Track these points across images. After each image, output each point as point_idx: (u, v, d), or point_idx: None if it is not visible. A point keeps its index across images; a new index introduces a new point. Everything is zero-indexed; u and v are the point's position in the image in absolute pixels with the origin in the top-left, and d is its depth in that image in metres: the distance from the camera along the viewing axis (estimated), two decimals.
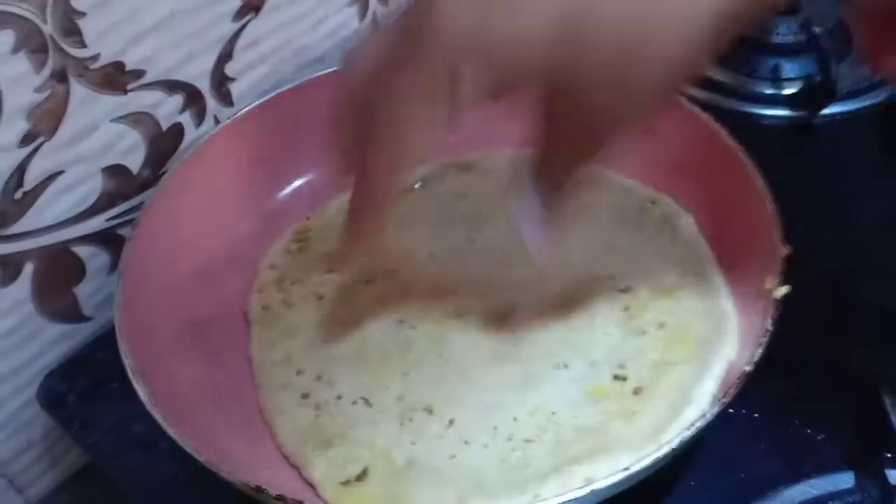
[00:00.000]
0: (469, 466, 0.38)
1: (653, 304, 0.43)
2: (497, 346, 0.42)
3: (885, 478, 0.39)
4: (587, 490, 0.31)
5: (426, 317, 0.44)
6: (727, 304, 0.42)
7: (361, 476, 0.38)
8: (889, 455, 0.38)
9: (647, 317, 0.42)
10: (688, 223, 0.46)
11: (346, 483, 0.38)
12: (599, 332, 0.42)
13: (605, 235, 0.47)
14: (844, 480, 0.39)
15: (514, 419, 0.39)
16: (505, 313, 0.44)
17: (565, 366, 0.41)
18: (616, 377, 0.40)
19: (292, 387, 0.42)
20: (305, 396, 0.42)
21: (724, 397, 0.33)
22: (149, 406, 0.35)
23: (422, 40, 0.30)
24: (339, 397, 0.41)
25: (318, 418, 0.41)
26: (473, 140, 0.50)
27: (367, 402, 0.41)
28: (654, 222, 0.47)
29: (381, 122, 0.31)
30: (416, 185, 0.51)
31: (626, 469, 0.32)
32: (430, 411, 0.40)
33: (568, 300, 0.44)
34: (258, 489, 0.32)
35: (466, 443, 0.39)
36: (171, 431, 0.34)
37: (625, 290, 0.44)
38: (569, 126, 0.32)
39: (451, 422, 0.40)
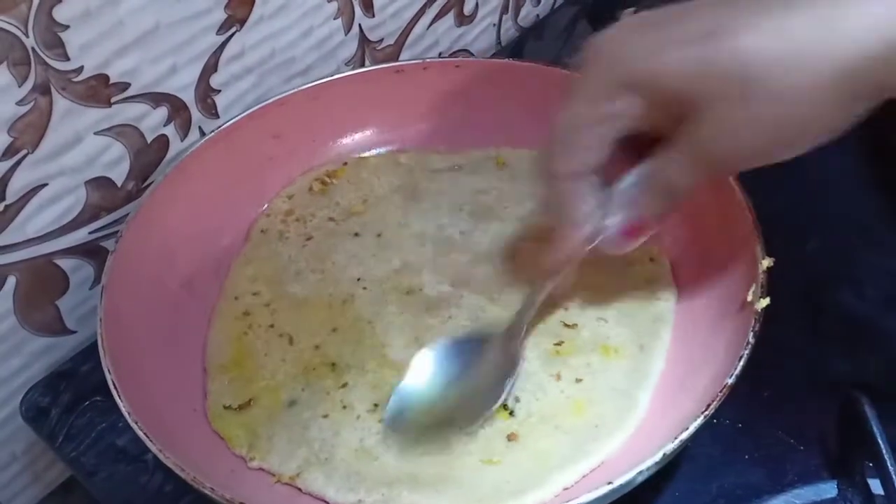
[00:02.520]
0: (332, 433, 0.40)
1: (585, 355, 0.42)
2: (421, 333, 0.43)
3: (867, 486, 0.39)
4: None
5: (380, 283, 0.46)
6: (644, 394, 0.40)
7: (244, 405, 0.41)
8: (870, 464, 0.39)
9: (572, 363, 0.42)
10: (669, 296, 0.44)
11: (227, 408, 0.41)
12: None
13: (584, 267, 0.46)
14: (827, 490, 0.40)
15: None
16: (449, 308, 0.45)
17: None
18: (505, 406, 0.40)
19: (241, 301, 0.46)
20: (247, 314, 0.45)
21: (706, 410, 0.34)
22: (131, 421, 0.35)
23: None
24: (272, 326, 0.45)
25: (245, 336, 0.44)
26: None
27: (290, 340, 0.44)
28: (640, 279, 0.45)
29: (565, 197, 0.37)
30: (453, 167, 0.53)
31: (609, 483, 0.32)
32: (332, 368, 0.42)
33: (514, 312, 0.43)
34: None
35: (344, 408, 0.41)
36: (153, 447, 0.34)
37: (570, 327, 0.44)
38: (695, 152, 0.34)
39: (345, 384, 0.42)
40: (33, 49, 0.41)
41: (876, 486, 0.38)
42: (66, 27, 0.42)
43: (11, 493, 0.51)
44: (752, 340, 0.36)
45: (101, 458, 0.44)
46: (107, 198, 0.48)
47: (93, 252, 0.49)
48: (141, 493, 0.42)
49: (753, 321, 0.37)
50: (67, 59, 0.43)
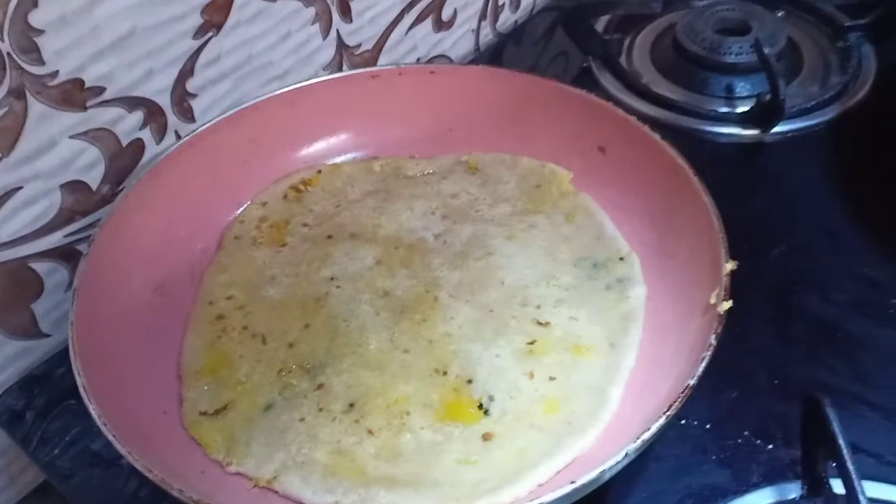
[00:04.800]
0: (310, 435, 0.40)
1: (558, 353, 0.43)
2: (395, 334, 0.44)
3: (829, 487, 0.40)
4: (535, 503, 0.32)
5: (354, 283, 0.47)
6: (616, 392, 0.41)
7: (221, 410, 0.41)
8: (833, 464, 0.39)
9: (546, 362, 0.42)
10: (639, 295, 0.45)
11: (203, 414, 0.41)
12: (492, 353, 0.43)
13: (555, 267, 0.47)
14: (792, 490, 0.41)
15: (372, 404, 0.41)
16: (423, 309, 0.45)
17: (444, 373, 0.42)
18: (480, 406, 0.41)
19: (216, 306, 0.46)
20: (220, 318, 0.46)
21: (668, 410, 0.34)
22: (100, 424, 0.35)
23: None
24: (245, 328, 0.45)
25: (219, 339, 0.44)
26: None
27: (263, 339, 0.44)
28: (610, 279, 0.46)
29: None
30: (426, 173, 0.54)
31: (572, 482, 0.32)
32: (307, 370, 0.43)
33: (487, 313, 0.45)
34: None
35: (320, 410, 0.41)
36: (122, 450, 0.34)
37: (542, 325, 0.44)
38: None
39: (320, 386, 0.42)
40: (8, 54, 0.41)
41: (838, 485, 0.39)
42: (42, 32, 0.42)
43: None
44: (713, 343, 0.36)
45: (75, 462, 0.44)
46: (81, 201, 0.48)
47: (68, 255, 0.49)
48: (116, 498, 0.42)
49: (716, 324, 0.37)
50: (43, 63, 0.43)
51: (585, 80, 0.66)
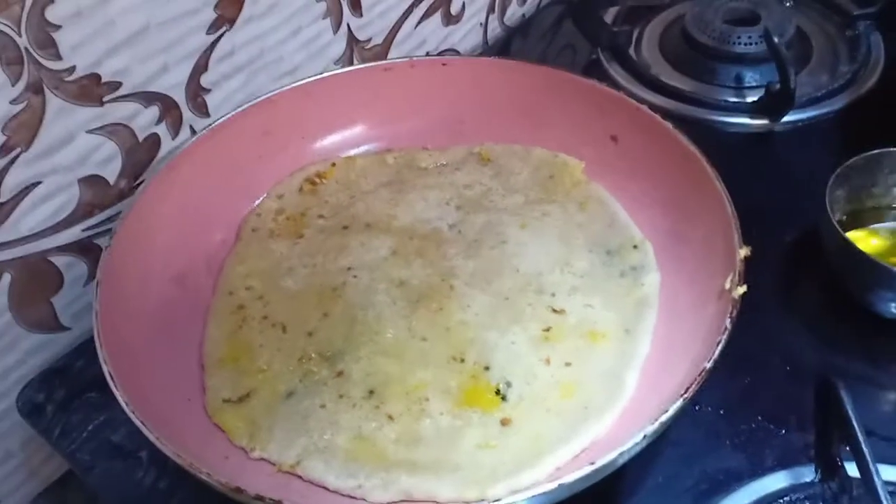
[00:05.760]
0: (331, 421, 0.40)
1: (573, 340, 0.43)
2: (412, 322, 0.44)
3: (844, 469, 0.40)
4: (555, 484, 0.32)
5: (371, 273, 0.47)
6: (631, 377, 0.42)
7: (243, 398, 0.42)
8: (847, 447, 0.40)
9: (560, 348, 0.43)
10: (653, 282, 0.46)
11: (226, 401, 0.42)
12: (508, 340, 0.43)
13: (570, 254, 0.48)
14: (806, 474, 0.41)
15: (391, 391, 0.41)
16: (439, 298, 0.46)
17: (461, 360, 0.43)
18: (498, 392, 0.41)
19: (235, 296, 0.47)
20: (241, 308, 0.46)
21: (685, 393, 0.35)
22: (128, 411, 0.35)
23: None
24: (265, 317, 0.45)
25: (240, 329, 0.45)
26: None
27: (283, 328, 0.45)
28: (624, 266, 0.47)
29: None
30: (439, 165, 0.54)
31: (591, 464, 0.33)
32: (326, 358, 0.43)
33: (502, 300, 0.45)
34: (237, 490, 0.33)
35: (340, 397, 0.42)
36: (150, 436, 0.34)
37: (558, 312, 0.45)
38: None
39: (340, 373, 0.42)
40: (26, 49, 0.42)
41: (852, 469, 0.39)
42: (59, 27, 0.43)
43: (8, 490, 0.51)
44: (728, 326, 0.37)
45: (95, 454, 0.44)
46: (99, 195, 0.49)
47: (86, 249, 0.49)
48: (135, 489, 0.43)
49: (731, 308, 0.38)
50: (60, 58, 0.43)
51: (594, 72, 0.66)
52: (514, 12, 0.76)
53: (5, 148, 0.43)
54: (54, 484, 0.53)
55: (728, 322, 0.37)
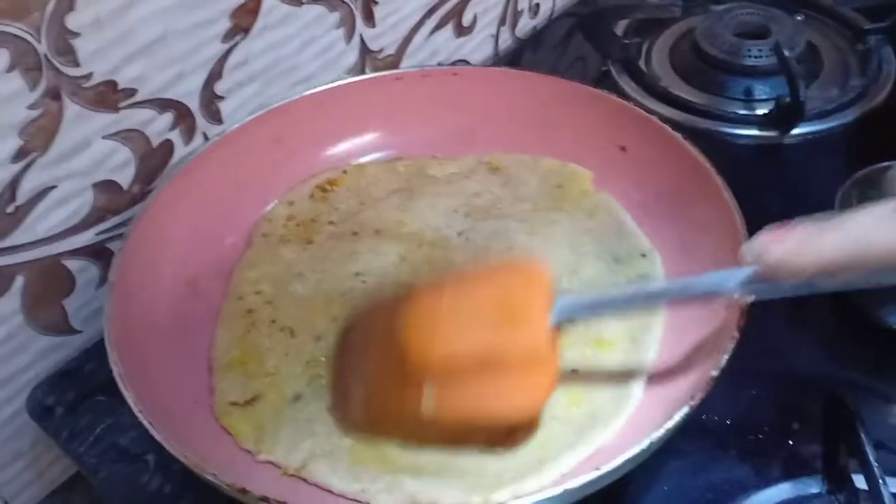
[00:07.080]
0: (336, 426, 0.40)
1: (579, 347, 0.43)
2: None
3: (851, 482, 0.40)
4: (560, 489, 0.32)
5: (379, 278, 0.48)
6: (637, 386, 0.42)
7: (251, 401, 0.42)
8: (855, 459, 0.40)
9: (568, 356, 0.42)
10: None
11: (234, 404, 0.42)
12: None
13: (578, 260, 0.48)
14: (813, 485, 0.41)
15: None
16: None
17: None
18: None
19: (245, 300, 0.47)
20: (250, 312, 0.47)
21: (692, 400, 0.35)
22: (136, 411, 0.36)
23: None
24: (274, 321, 0.46)
25: (249, 333, 0.45)
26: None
27: (292, 333, 0.45)
28: (632, 274, 0.47)
29: None
30: (448, 173, 0.55)
31: (597, 469, 0.33)
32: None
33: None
34: (243, 491, 0.33)
35: None
36: (158, 436, 0.35)
37: None
38: None
39: None
40: (45, 55, 0.42)
41: (860, 481, 0.39)
42: (78, 34, 0.43)
43: (15, 490, 0.52)
44: (736, 335, 0.37)
45: (102, 458, 0.45)
46: (113, 200, 0.49)
47: (99, 253, 0.50)
48: (141, 493, 0.43)
49: (738, 317, 0.38)
50: (78, 65, 0.44)
51: (604, 84, 0.66)
52: (525, 24, 0.76)
53: (22, 152, 0.44)
54: (62, 486, 0.54)
55: (736, 330, 0.37)
